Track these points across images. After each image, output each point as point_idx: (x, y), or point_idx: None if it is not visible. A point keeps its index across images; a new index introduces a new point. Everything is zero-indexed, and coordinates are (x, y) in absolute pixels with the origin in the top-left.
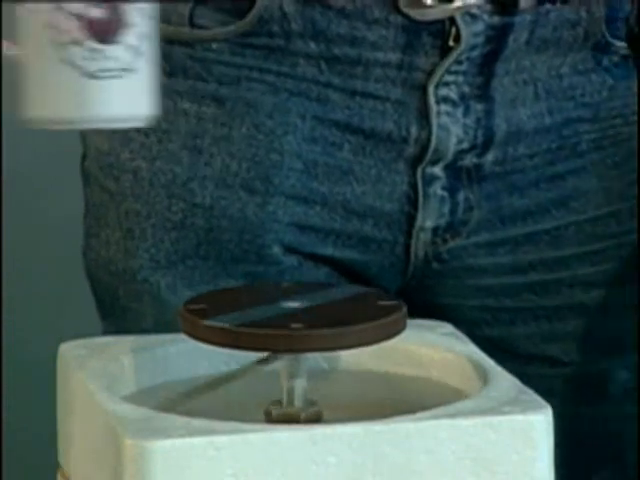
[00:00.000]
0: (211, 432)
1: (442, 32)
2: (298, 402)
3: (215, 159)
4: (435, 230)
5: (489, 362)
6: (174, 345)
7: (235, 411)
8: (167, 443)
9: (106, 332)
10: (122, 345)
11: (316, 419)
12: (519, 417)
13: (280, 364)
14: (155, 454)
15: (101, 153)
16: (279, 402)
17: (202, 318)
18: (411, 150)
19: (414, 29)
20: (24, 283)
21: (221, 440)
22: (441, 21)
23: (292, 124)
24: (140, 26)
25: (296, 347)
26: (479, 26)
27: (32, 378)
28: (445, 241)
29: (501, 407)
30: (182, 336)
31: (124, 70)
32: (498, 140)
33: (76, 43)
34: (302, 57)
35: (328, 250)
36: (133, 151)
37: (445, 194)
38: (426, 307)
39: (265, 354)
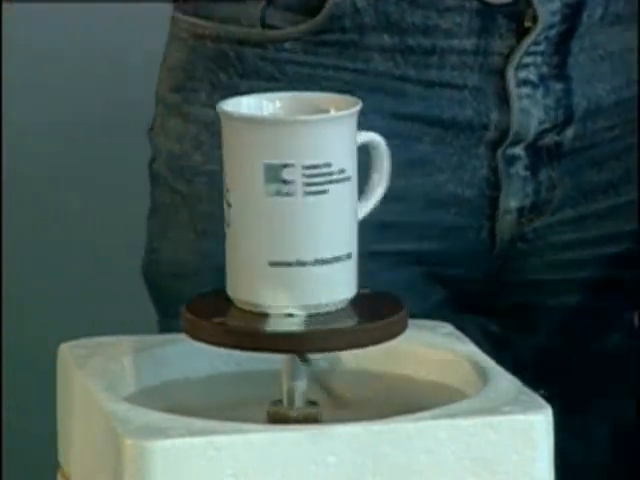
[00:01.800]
0: (211, 432)
1: (517, 14)
2: (298, 402)
3: None
4: (520, 211)
5: (489, 362)
6: (174, 345)
7: (235, 411)
8: (167, 443)
9: (163, 330)
10: (122, 345)
11: (316, 419)
12: (519, 417)
13: (280, 364)
14: (155, 454)
15: (172, 156)
16: (279, 402)
17: (202, 318)
18: (491, 135)
19: (489, 13)
20: (24, 283)
21: (221, 440)
22: (515, 3)
23: (368, 121)
24: None
25: (296, 347)
26: (555, 4)
27: (32, 378)
28: (530, 221)
29: (501, 407)
30: (182, 336)
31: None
32: (577, 117)
33: None
34: (376, 51)
35: (410, 245)
36: (205, 154)
37: (527, 174)
38: (508, 286)
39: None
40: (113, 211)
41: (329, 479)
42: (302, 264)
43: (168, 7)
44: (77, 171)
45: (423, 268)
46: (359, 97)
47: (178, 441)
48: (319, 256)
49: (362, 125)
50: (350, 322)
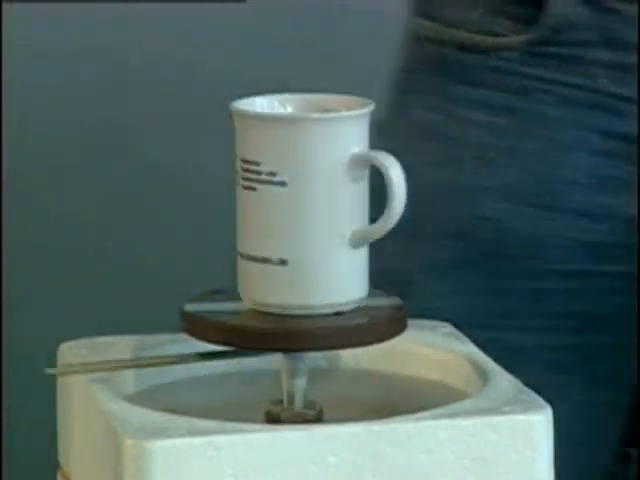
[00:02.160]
0: (211, 432)
1: None
2: (298, 402)
3: (501, 171)
4: None
5: (489, 362)
6: (174, 345)
7: (235, 411)
8: (167, 443)
9: None
10: (122, 345)
11: (316, 419)
12: (519, 417)
13: (280, 364)
14: (155, 454)
15: None
16: (279, 402)
17: (202, 317)
18: None
19: None
20: (24, 283)
21: (221, 440)
22: None
23: (583, 138)
24: None
25: (296, 347)
26: None
27: (32, 378)
28: None
29: (501, 407)
30: (182, 336)
31: None
32: None
33: None
34: (597, 66)
35: (616, 266)
36: (420, 156)
37: None
38: None
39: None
40: (113, 211)
41: (329, 479)
42: (240, 255)
43: (167, 7)
44: (77, 171)
45: (624, 290)
46: (575, 112)
47: (178, 441)
48: (247, 251)
49: (574, 143)
50: (350, 321)
